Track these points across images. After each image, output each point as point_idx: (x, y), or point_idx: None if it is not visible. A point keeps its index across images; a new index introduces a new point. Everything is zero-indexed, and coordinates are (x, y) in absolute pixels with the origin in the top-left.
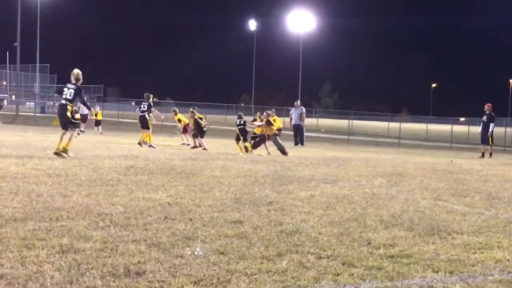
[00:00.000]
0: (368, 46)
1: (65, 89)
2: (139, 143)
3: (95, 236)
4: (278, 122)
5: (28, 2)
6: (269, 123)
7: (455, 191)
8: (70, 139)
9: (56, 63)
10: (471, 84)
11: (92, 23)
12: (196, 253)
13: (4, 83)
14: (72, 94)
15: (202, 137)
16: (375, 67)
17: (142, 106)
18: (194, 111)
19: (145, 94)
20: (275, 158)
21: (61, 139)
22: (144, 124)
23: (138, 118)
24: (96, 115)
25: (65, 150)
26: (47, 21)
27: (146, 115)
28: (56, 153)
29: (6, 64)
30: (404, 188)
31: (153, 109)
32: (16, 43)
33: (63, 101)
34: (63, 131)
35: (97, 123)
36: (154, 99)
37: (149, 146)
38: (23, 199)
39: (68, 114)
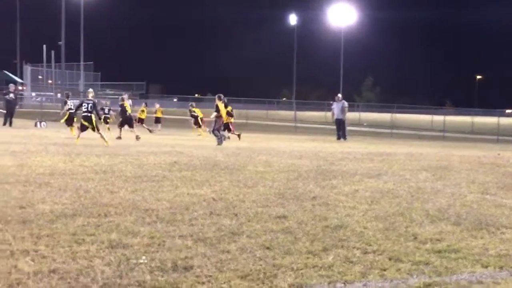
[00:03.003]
0: (411, 38)
1: (84, 104)
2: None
3: (142, 232)
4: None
5: (72, 1)
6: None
7: (503, 185)
8: (102, 135)
9: (100, 61)
10: None
11: (134, 21)
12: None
13: (50, 81)
14: (92, 107)
15: (130, 126)
16: (418, 60)
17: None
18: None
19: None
20: (317, 153)
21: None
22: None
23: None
24: (155, 112)
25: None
26: (91, 20)
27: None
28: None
29: (52, 62)
30: (450, 182)
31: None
32: (60, 42)
33: (88, 114)
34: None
35: (157, 120)
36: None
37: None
38: (71, 195)
39: (93, 121)
